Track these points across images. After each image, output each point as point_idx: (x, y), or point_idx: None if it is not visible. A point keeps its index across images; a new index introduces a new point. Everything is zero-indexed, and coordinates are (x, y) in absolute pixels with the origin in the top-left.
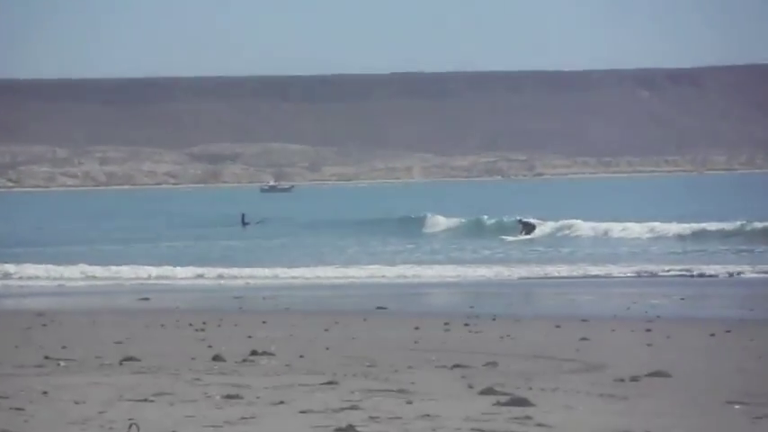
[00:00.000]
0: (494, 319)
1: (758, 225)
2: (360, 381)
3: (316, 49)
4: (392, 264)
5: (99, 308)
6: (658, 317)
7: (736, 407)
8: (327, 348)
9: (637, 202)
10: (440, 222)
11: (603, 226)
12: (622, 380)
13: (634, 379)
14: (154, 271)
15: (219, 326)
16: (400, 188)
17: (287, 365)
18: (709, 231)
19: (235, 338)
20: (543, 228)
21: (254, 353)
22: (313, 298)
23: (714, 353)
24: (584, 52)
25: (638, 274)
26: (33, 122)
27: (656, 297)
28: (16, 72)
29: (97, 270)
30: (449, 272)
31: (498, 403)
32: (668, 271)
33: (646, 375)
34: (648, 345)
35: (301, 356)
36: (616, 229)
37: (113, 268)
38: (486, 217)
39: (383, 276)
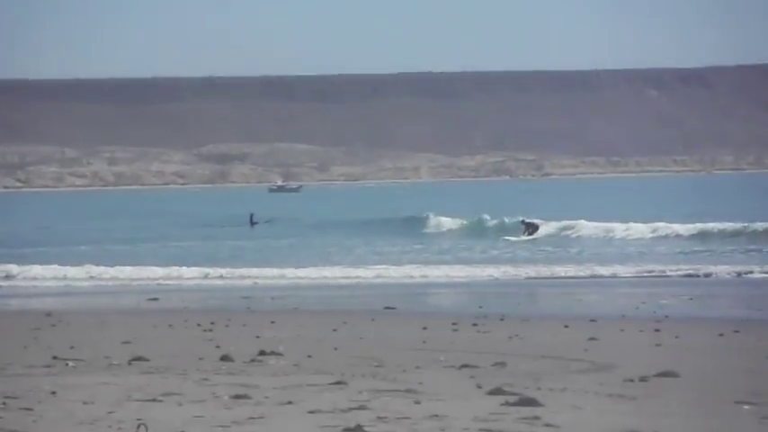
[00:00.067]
0: (502, 319)
1: (766, 225)
2: (368, 381)
3: (323, 48)
4: (399, 264)
5: (107, 308)
6: (667, 317)
7: (745, 407)
8: (336, 348)
9: (644, 201)
10: (442, 223)
11: (607, 226)
12: (631, 380)
13: (643, 379)
14: (162, 271)
15: (228, 326)
16: (408, 188)
17: (295, 365)
18: (717, 231)
19: (243, 338)
20: (546, 228)
21: (262, 353)
22: (321, 298)
23: (723, 353)
24: (593, 52)
25: (644, 274)
26: (42, 123)
27: (664, 297)
28: (25, 72)
29: (105, 270)
30: (456, 272)
31: (507, 403)
32: (676, 271)
33: (654, 375)
34: (657, 345)
35: (309, 356)
36: (620, 228)
37: (121, 268)
38: (488, 217)
39: (390, 276)
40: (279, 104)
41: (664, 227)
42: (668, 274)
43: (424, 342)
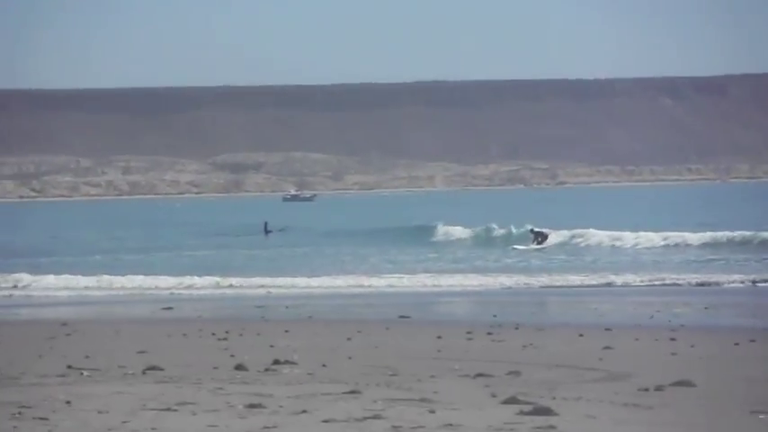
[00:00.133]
0: (516, 328)
1: None
2: (382, 390)
3: (338, 58)
4: (412, 272)
5: (122, 317)
6: (682, 326)
7: (761, 416)
8: (350, 357)
9: (657, 210)
10: (450, 232)
11: (616, 234)
12: (646, 389)
13: (658, 388)
14: (176, 280)
15: (242, 335)
16: (422, 197)
17: (309, 374)
18: (726, 240)
19: (257, 347)
20: (556, 236)
21: (276, 362)
22: (335, 307)
23: (738, 362)
24: (607, 60)
25: (657, 283)
26: (57, 132)
27: (678, 306)
28: (40, 82)
29: (119, 280)
30: (469, 281)
31: (521, 412)
32: (690, 280)
33: (670, 385)
34: (672, 354)
35: (324, 365)
36: (629, 237)
37: (135, 278)
38: (495, 226)
39: (404, 285)
40: (293, 114)
41: (675, 236)
42: (681, 282)
43: (438, 351)
